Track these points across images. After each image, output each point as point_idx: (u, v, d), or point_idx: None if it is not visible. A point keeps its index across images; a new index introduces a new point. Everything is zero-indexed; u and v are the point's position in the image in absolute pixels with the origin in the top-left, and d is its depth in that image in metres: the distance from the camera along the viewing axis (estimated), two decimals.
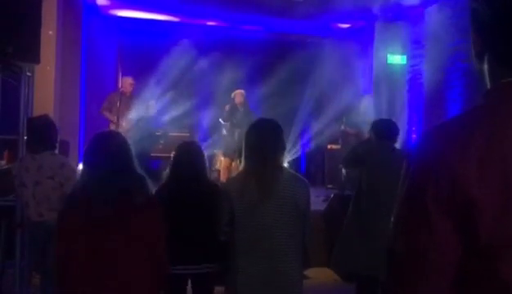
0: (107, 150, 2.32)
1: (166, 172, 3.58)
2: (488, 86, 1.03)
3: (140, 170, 2.41)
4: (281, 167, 2.96)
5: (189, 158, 3.47)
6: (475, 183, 0.91)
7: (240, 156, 3.10)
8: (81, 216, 2.25)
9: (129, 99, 7.82)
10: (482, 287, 0.94)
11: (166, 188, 3.48)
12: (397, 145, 4.44)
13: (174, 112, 9.06)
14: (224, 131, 8.33)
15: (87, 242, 2.21)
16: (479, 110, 1.00)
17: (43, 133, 4.11)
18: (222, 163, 8.41)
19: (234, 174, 5.06)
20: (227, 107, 8.34)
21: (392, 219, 1.04)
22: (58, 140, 4.27)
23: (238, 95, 8.32)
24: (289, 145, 8.23)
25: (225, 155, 8.31)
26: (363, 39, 9.41)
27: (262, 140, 2.86)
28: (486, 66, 1.04)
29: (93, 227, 2.21)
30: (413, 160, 1.03)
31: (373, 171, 4.03)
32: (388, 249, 1.03)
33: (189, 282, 3.47)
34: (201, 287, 3.43)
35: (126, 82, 8.07)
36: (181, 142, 3.86)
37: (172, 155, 3.71)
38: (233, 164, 8.01)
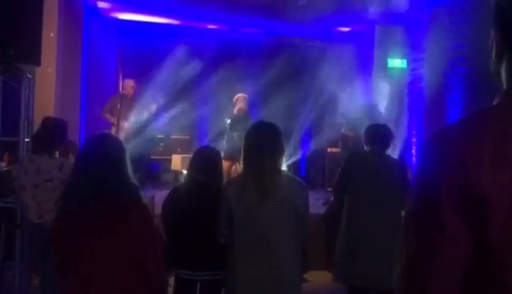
0: (97, 153, 2.33)
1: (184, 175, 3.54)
2: (504, 86, 1.03)
3: (133, 174, 2.40)
4: (280, 170, 2.95)
5: (205, 164, 3.46)
6: (488, 182, 0.91)
7: (239, 159, 3.09)
8: (68, 220, 2.27)
9: (130, 101, 7.84)
10: (489, 288, 0.94)
11: (179, 192, 3.49)
12: (395, 150, 4.37)
13: (175, 114, 9.07)
14: (224, 141, 8.24)
15: (77, 245, 2.23)
16: (493, 110, 1.00)
17: (46, 135, 4.14)
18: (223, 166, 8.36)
19: (233, 176, 5.05)
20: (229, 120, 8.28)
21: (402, 215, 1.04)
22: (59, 143, 4.28)
23: (240, 98, 8.32)
24: (289, 148, 8.22)
25: (225, 158, 8.27)
26: (363, 43, 9.42)
27: (261, 142, 2.86)
28: (504, 66, 1.04)
29: (80, 230, 2.23)
30: (423, 159, 1.03)
31: (363, 181, 3.97)
32: (398, 249, 1.03)
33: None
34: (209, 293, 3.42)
35: (127, 85, 8.09)
36: (200, 147, 3.86)
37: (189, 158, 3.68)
38: (233, 167, 8.01)
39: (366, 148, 4.23)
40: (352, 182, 3.98)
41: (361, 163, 4.05)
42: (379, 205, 3.82)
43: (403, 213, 1.04)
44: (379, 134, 4.16)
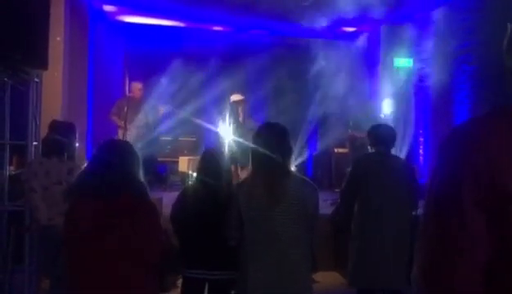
0: (108, 157, 2.39)
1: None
2: None
3: (144, 178, 2.46)
4: (289, 172, 2.95)
5: (211, 166, 3.47)
6: None
7: (247, 162, 3.10)
8: (77, 219, 2.33)
9: (137, 104, 7.87)
10: (509, 285, 0.94)
11: (188, 194, 3.52)
12: (402, 150, 4.37)
13: (182, 116, 9.08)
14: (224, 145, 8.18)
15: (86, 244, 2.29)
16: None
17: (54, 138, 4.17)
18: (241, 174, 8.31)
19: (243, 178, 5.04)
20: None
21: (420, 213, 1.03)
22: (68, 146, 4.30)
23: (239, 103, 8.30)
24: (296, 149, 8.21)
25: (242, 166, 8.19)
26: (369, 43, 9.40)
27: (269, 144, 2.86)
28: None
29: (88, 229, 2.29)
30: (442, 157, 1.02)
31: (371, 183, 3.97)
32: (417, 244, 1.02)
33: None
34: (217, 293, 3.43)
35: (135, 88, 8.12)
36: (206, 149, 3.91)
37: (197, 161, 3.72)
38: (237, 170, 8.00)
39: (370, 149, 4.22)
40: (361, 186, 3.98)
41: (369, 167, 4.04)
42: (389, 207, 3.84)
43: (414, 212, 1.04)
44: (381, 134, 4.14)
